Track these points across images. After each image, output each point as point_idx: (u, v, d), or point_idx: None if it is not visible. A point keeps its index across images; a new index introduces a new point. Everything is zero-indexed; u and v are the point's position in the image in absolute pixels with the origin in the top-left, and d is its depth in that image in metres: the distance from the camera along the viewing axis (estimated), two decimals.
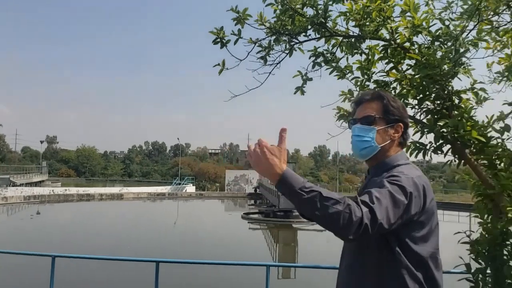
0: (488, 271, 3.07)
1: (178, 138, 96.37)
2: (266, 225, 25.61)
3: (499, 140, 3.37)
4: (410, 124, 2.27)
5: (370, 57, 3.91)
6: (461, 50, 2.96)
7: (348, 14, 3.44)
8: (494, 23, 3.45)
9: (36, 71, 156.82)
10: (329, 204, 1.41)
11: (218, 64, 3.70)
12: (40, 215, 29.53)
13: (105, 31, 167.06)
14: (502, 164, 3.36)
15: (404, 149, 1.92)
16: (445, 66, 2.99)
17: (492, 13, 3.11)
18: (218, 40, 3.71)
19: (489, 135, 3.33)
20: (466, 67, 3.12)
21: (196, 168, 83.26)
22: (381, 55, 3.74)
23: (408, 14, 3.37)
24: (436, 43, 3.31)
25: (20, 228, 22.66)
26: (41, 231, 21.55)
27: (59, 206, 34.55)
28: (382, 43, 3.72)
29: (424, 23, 3.22)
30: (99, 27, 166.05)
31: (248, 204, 37.73)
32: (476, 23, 3.13)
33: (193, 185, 54.53)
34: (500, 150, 3.36)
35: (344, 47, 3.98)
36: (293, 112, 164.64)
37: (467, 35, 3.17)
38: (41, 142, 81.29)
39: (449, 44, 3.05)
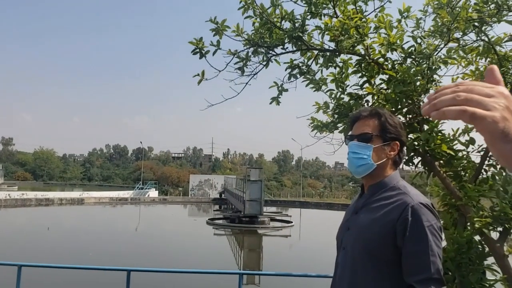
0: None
1: (141, 142, 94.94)
2: (231, 230, 25.57)
3: (464, 153, 3.58)
4: None
5: (344, 70, 4.03)
6: (433, 67, 3.10)
7: (324, 29, 3.54)
8: (461, 41, 3.65)
9: None
10: None
11: (198, 75, 3.72)
12: None
13: (68, 34, 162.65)
14: (467, 175, 3.55)
15: (398, 169, 1.93)
16: (418, 83, 3.14)
17: (461, 33, 3.29)
18: (198, 50, 3.73)
19: (455, 147, 3.52)
20: (437, 84, 3.29)
21: (159, 172, 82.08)
22: (355, 69, 3.88)
23: (383, 31, 3.51)
24: (409, 60, 3.48)
25: None
26: (1, 238, 20.70)
27: (16, 211, 33.25)
28: (356, 57, 3.86)
29: (398, 41, 3.36)
30: (63, 28, 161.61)
31: (213, 210, 37.55)
32: (446, 42, 3.30)
33: (156, 190, 53.75)
34: (465, 162, 3.55)
35: (319, 60, 4.09)
36: (258, 116, 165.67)
37: (438, 53, 3.33)
38: None
39: (422, 61, 3.20)
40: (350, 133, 1.94)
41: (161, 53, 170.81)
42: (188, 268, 13.30)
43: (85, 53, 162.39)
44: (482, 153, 3.52)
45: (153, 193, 50.73)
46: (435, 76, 3.32)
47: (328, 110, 4.02)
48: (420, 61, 3.24)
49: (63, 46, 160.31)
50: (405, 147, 1.97)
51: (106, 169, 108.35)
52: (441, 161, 3.49)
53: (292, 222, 27.89)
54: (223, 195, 45.48)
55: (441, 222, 1.81)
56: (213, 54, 3.76)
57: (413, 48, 3.43)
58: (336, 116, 3.93)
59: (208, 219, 29.12)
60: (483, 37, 3.51)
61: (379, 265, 1.70)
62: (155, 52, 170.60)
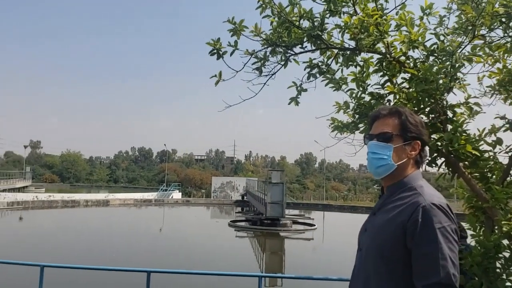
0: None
1: (165, 144, 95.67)
2: (253, 233, 25.53)
3: (491, 154, 3.44)
4: None
5: (364, 69, 3.95)
6: (457, 65, 2.99)
7: (344, 27, 3.47)
8: (487, 38, 3.52)
9: (20, 75, 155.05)
10: None
11: (215, 76, 3.69)
12: (23, 221, 29.10)
13: (93, 38, 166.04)
14: (494, 177, 3.41)
15: (420, 169, 1.85)
16: (441, 81, 3.04)
17: (487, 29, 3.17)
18: (215, 51, 3.71)
19: (481, 148, 3.39)
20: (461, 82, 3.17)
21: (182, 174, 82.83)
22: (376, 67, 3.79)
23: (404, 28, 3.42)
24: (431, 58, 3.37)
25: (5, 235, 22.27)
26: (27, 239, 21.18)
27: (43, 212, 34.01)
28: (377, 56, 3.77)
29: (419, 38, 3.26)
30: (87, 31, 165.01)
31: (235, 212, 37.61)
32: (470, 38, 3.18)
33: (179, 192, 54.20)
34: (492, 163, 3.42)
35: (339, 59, 4.01)
36: (279, 119, 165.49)
37: (461, 50, 3.22)
38: (25, 147, 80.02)
39: (444, 59, 3.10)
40: (369, 132, 1.87)
41: (185, 55, 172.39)
42: (209, 270, 13.33)
43: (109, 55, 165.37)
44: (510, 154, 3.38)
45: (177, 195, 51.18)
46: (458, 74, 3.20)
47: (349, 110, 3.94)
48: (443, 59, 3.14)
49: (90, 48, 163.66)
50: (426, 147, 1.88)
51: (131, 171, 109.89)
52: (466, 162, 3.37)
53: (314, 225, 27.66)
54: (245, 197, 45.54)
55: (464, 224, 1.73)
56: (231, 54, 3.73)
57: (435, 46, 3.32)
58: (357, 116, 3.85)
59: (230, 221, 29.16)
60: (510, 33, 3.38)
61: (392, 267, 1.64)
62: (178, 55, 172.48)
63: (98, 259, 15.24)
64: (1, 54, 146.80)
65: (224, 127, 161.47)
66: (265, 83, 4.06)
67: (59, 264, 5.05)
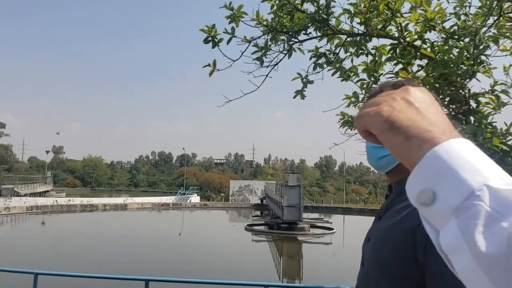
0: None
1: (183, 148, 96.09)
2: (270, 237, 25.13)
3: None
4: None
5: (377, 58, 3.57)
6: (481, 46, 2.59)
7: (354, 12, 3.11)
8: None
9: (43, 80, 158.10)
10: None
11: (209, 65, 3.37)
12: (35, 225, 29.40)
13: (112, 43, 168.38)
14: None
15: None
16: (462, 65, 2.64)
17: None
18: (210, 39, 3.38)
19: (509, 143, 2.98)
20: (486, 66, 2.77)
21: (202, 178, 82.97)
22: (389, 55, 3.41)
23: (420, 8, 3.04)
24: (450, 41, 2.97)
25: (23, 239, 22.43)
26: (41, 243, 21.26)
27: (62, 216, 34.25)
28: (389, 43, 3.40)
29: (437, 18, 2.87)
30: (105, 39, 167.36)
31: (252, 216, 37.26)
32: (496, 17, 2.78)
33: (198, 195, 54.11)
34: None
35: (348, 47, 3.65)
36: (298, 121, 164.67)
37: (486, 30, 2.82)
38: (47, 152, 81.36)
39: (467, 40, 2.70)
40: None
41: (199, 59, 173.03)
42: (226, 275, 13.00)
43: (127, 60, 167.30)
44: None
45: (195, 198, 51.08)
46: (482, 57, 2.80)
47: (359, 103, 3.57)
48: (465, 40, 2.74)
49: (108, 52, 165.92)
50: None
51: (152, 176, 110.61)
52: (492, 158, 2.96)
53: (333, 229, 27.05)
54: (264, 200, 45.15)
55: None
56: (228, 42, 3.40)
57: (455, 27, 2.93)
58: None
59: (247, 225, 28.81)
60: None
61: (396, 287, 1.22)
62: (194, 58, 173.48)
63: (105, 265, 15.09)
64: (21, 61, 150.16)
65: (244, 131, 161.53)
66: (267, 75, 3.72)
67: (53, 272, 4.80)
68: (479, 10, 3.07)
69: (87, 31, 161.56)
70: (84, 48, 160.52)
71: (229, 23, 3.54)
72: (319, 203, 54.61)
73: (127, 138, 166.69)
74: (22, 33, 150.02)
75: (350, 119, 3.76)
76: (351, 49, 3.71)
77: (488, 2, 2.83)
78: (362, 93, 3.51)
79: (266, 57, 3.62)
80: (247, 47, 3.46)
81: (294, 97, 3.87)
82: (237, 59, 3.43)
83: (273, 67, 3.68)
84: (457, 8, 3.07)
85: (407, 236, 1.17)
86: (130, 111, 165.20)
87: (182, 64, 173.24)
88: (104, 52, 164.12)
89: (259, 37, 3.47)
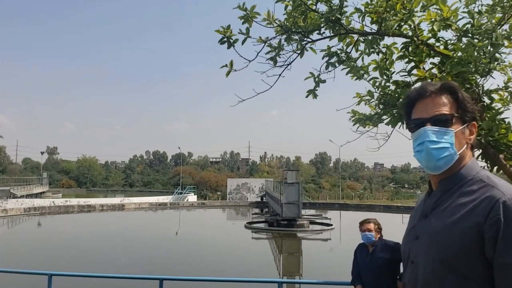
0: None
1: (179, 147, 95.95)
2: (271, 234, 25.20)
3: None
4: None
5: (388, 56, 3.63)
6: (497, 43, 2.65)
7: (367, 8, 3.16)
8: None
9: (35, 81, 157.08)
10: None
11: (226, 65, 3.41)
12: (34, 225, 29.30)
13: (106, 43, 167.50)
14: None
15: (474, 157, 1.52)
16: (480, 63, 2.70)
17: None
18: (225, 39, 3.43)
19: None
20: (501, 63, 2.83)
21: (198, 177, 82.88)
22: (401, 53, 3.47)
23: (433, 9, 3.09)
24: (464, 39, 3.03)
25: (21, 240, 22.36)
26: (40, 244, 21.20)
27: (60, 217, 34.13)
28: (400, 41, 3.45)
29: (452, 17, 2.93)
30: (99, 39, 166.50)
31: (252, 213, 37.30)
32: (510, 15, 2.84)
33: (194, 194, 54.08)
34: None
35: (359, 46, 3.70)
36: (293, 119, 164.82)
37: (500, 28, 2.88)
38: (42, 153, 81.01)
39: (482, 38, 2.76)
40: (415, 117, 1.48)
41: (198, 57, 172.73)
42: (226, 273, 13.06)
43: (122, 60, 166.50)
44: None
45: (192, 197, 51.05)
46: (497, 54, 2.86)
47: (372, 101, 3.62)
48: (480, 38, 2.80)
49: (103, 54, 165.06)
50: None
51: (147, 175, 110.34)
52: (507, 154, 3.03)
53: (332, 225, 27.18)
54: (264, 198, 45.23)
55: None
56: (242, 43, 3.44)
57: (469, 25, 2.99)
58: (381, 106, 3.53)
59: (246, 222, 28.87)
60: None
61: (463, 284, 1.26)
62: (191, 57, 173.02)
63: (109, 264, 15.10)
64: (18, 64, 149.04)
65: (239, 129, 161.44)
66: (280, 74, 3.77)
67: (67, 273, 4.83)
68: (487, 8, 3.14)
69: (80, 31, 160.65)
70: (78, 49, 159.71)
71: (242, 23, 3.58)
72: (315, 200, 54.77)
73: (121, 137, 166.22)
74: (14, 35, 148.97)
75: (362, 117, 3.82)
76: (361, 48, 3.77)
77: (501, 1, 2.90)
78: (376, 91, 3.57)
79: (280, 57, 3.67)
80: (262, 47, 3.50)
81: (307, 96, 3.91)
82: (253, 59, 3.48)
83: (286, 67, 3.73)
84: (469, 7, 3.13)
85: (473, 232, 1.23)
86: (123, 110, 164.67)
87: (177, 64, 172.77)
88: (99, 52, 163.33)
89: (274, 37, 3.52)
